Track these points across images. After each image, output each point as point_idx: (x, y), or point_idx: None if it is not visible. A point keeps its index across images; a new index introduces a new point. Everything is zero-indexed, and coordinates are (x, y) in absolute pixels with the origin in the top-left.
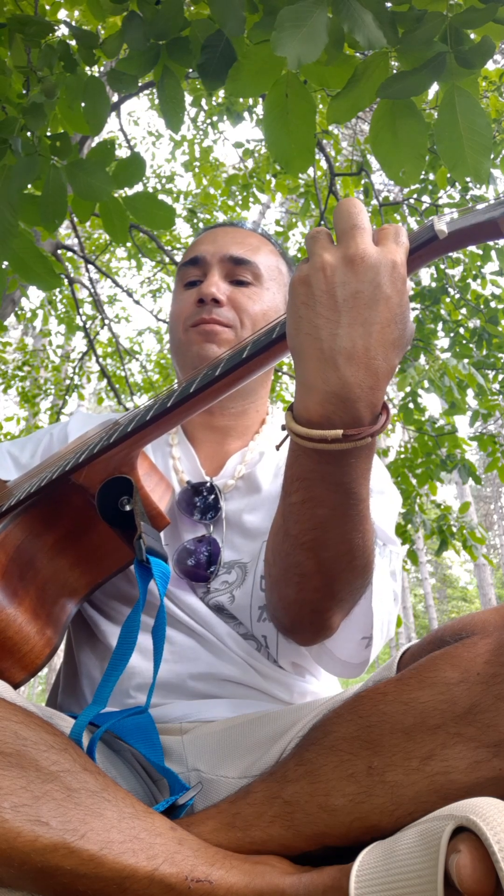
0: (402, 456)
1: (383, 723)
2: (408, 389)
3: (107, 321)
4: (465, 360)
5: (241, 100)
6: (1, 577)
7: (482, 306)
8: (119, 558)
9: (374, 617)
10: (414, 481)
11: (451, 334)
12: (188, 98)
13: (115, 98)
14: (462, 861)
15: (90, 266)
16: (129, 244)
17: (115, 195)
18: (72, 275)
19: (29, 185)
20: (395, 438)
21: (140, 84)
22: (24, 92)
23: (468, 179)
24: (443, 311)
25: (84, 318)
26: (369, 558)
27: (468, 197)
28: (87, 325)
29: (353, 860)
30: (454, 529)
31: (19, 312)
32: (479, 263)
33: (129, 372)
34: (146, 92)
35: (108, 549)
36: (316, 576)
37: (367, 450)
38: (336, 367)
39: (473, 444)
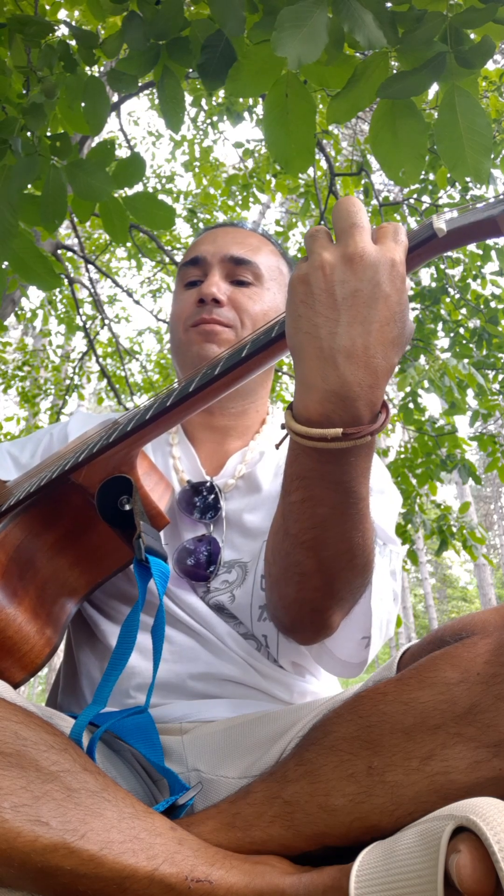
0: (402, 456)
1: (383, 723)
2: (408, 389)
3: (107, 321)
4: (465, 360)
5: (241, 100)
6: (1, 576)
7: (482, 306)
8: (119, 558)
9: (373, 616)
10: (414, 481)
11: (451, 334)
12: (188, 98)
13: (115, 98)
14: (462, 861)
15: (90, 266)
16: (129, 244)
17: (115, 195)
18: (72, 275)
19: (29, 185)
20: (395, 438)
21: (140, 84)
22: (24, 92)
23: (468, 179)
24: (443, 311)
25: (84, 318)
26: (369, 557)
27: (468, 197)
28: (87, 325)
29: (353, 860)
30: (454, 529)
31: (19, 312)
32: (479, 263)
33: (129, 372)
34: (146, 92)
35: (108, 548)
36: (316, 575)
37: (366, 448)
38: (335, 366)
39: (473, 444)
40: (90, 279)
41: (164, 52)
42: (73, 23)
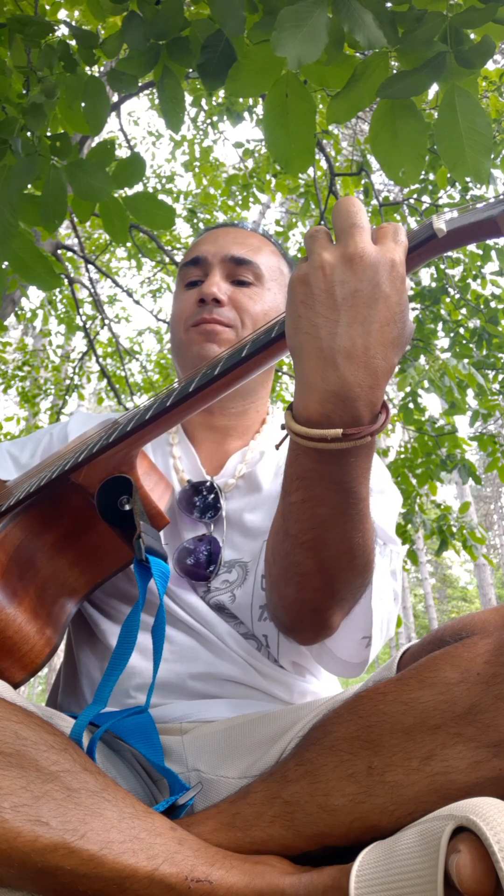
0: (402, 456)
1: (383, 723)
2: (408, 389)
3: (107, 321)
4: (465, 360)
5: (241, 100)
6: (1, 576)
7: (482, 306)
8: (119, 558)
9: (374, 616)
10: (414, 481)
11: (451, 334)
12: (188, 98)
13: (115, 98)
14: (462, 861)
15: (90, 266)
16: (129, 244)
17: (115, 195)
18: (72, 275)
19: (29, 185)
20: (395, 438)
21: (140, 84)
22: (24, 92)
23: (468, 179)
24: (443, 311)
25: (84, 318)
26: (369, 557)
27: (468, 197)
28: (87, 325)
29: (353, 860)
30: (454, 529)
31: (19, 312)
32: (479, 263)
33: (129, 372)
34: (146, 92)
35: (108, 548)
36: (316, 575)
37: (366, 449)
38: (335, 366)
39: (473, 444)
40: (90, 279)
41: (164, 52)
42: (73, 23)
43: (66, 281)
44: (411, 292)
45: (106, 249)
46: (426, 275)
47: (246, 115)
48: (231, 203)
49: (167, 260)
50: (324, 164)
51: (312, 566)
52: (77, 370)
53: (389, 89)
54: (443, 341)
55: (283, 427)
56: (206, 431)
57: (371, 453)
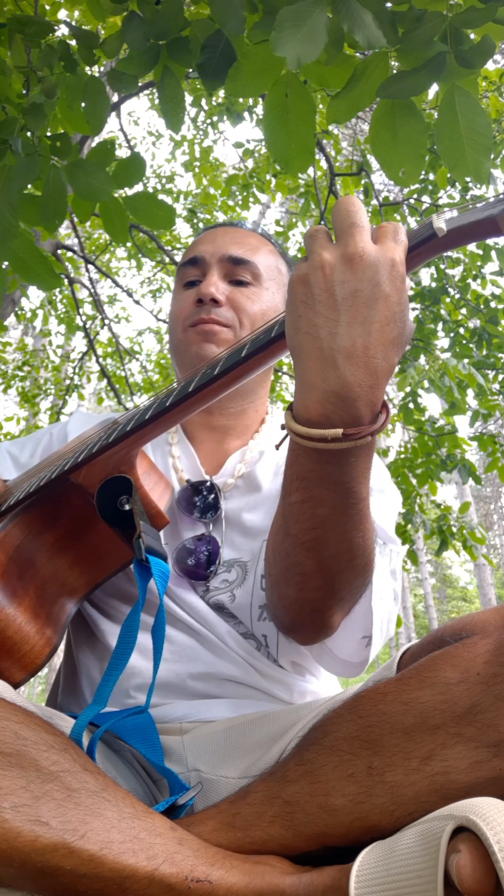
0: (402, 456)
1: (383, 723)
2: (408, 389)
3: (107, 321)
4: (465, 360)
5: (241, 100)
6: (0, 576)
7: (482, 306)
8: (118, 558)
9: (374, 616)
10: (414, 481)
11: (451, 334)
12: (188, 98)
13: (115, 98)
14: (462, 861)
15: (90, 266)
16: (129, 244)
17: (115, 195)
18: (72, 275)
19: (29, 185)
20: (395, 438)
21: (140, 84)
22: (24, 92)
23: (468, 179)
24: (443, 311)
25: (84, 318)
26: (370, 557)
27: (468, 197)
28: (87, 325)
29: (353, 860)
30: (454, 529)
31: (19, 312)
32: (479, 263)
33: (129, 372)
34: (146, 92)
35: (108, 548)
36: (316, 575)
37: (366, 449)
38: (335, 366)
39: (473, 444)
40: (90, 279)
41: (164, 52)
42: (73, 23)
43: (66, 281)
44: (411, 292)
45: (106, 249)
46: (426, 275)
47: (246, 115)
48: (231, 203)
49: (167, 260)
50: (324, 164)
51: (312, 566)
52: (77, 370)
53: (389, 89)
54: (443, 341)
55: (283, 427)
56: (205, 431)
57: (371, 453)
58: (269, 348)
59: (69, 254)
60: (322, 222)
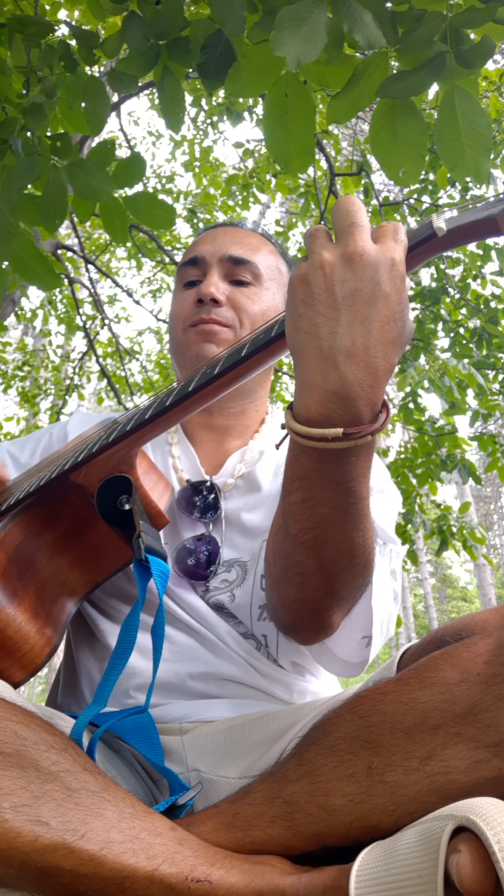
0: (402, 456)
1: (383, 723)
2: (408, 389)
3: (107, 321)
4: (465, 360)
5: (241, 100)
6: (0, 576)
7: (482, 306)
8: (118, 557)
9: (373, 616)
10: (414, 481)
11: (451, 334)
12: (188, 98)
13: (115, 98)
14: (462, 861)
15: (90, 266)
16: (129, 244)
17: (115, 195)
18: (72, 275)
19: (29, 185)
20: (395, 438)
21: (140, 84)
22: (24, 92)
23: (468, 179)
24: (443, 311)
25: (84, 318)
26: (370, 557)
27: (468, 197)
28: (87, 325)
29: (353, 860)
30: (454, 529)
31: (19, 312)
32: (479, 263)
33: (129, 372)
34: (146, 92)
35: (108, 548)
36: (316, 575)
37: (366, 448)
38: (335, 366)
39: (473, 444)
40: (90, 279)
41: (164, 52)
42: (73, 23)
43: (66, 281)
44: (411, 292)
45: (106, 249)
46: (426, 275)
47: (246, 115)
48: (231, 203)
49: (167, 260)
50: (324, 164)
51: (312, 566)
52: (77, 370)
53: (389, 89)
54: (443, 341)
55: (283, 427)
56: (205, 431)
57: (371, 453)
58: (269, 348)
59: (69, 254)
60: (322, 222)
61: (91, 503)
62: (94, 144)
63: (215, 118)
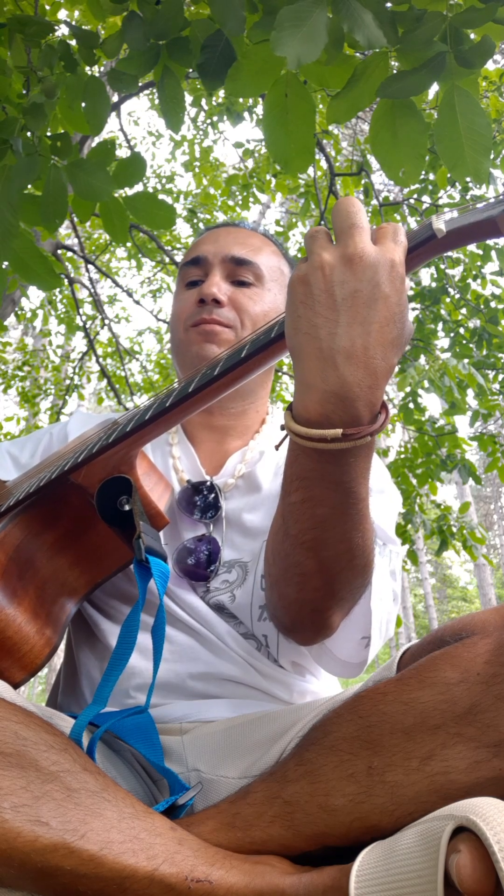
0: (402, 456)
1: (383, 723)
2: (408, 389)
3: (107, 321)
4: (465, 360)
5: (241, 100)
6: (0, 576)
7: (482, 306)
8: (118, 558)
9: (373, 616)
10: (414, 481)
11: (451, 334)
12: (188, 98)
13: (115, 98)
14: (462, 861)
15: (90, 266)
16: (129, 244)
17: (116, 195)
18: (72, 275)
19: (29, 185)
20: (395, 438)
21: (140, 84)
22: (24, 92)
23: (468, 179)
24: (443, 311)
25: (84, 318)
26: (369, 557)
27: (468, 197)
28: (87, 325)
29: (353, 860)
30: (454, 529)
31: (19, 312)
32: (479, 263)
33: (129, 372)
34: (146, 92)
35: (108, 548)
36: (316, 575)
37: (366, 449)
38: (335, 367)
39: (473, 444)
40: (90, 279)
41: (164, 52)
42: (73, 23)
43: (66, 281)
44: (411, 292)
45: (106, 249)
46: (426, 275)
47: (246, 115)
48: (231, 203)
49: (167, 260)
50: (324, 164)
51: (312, 566)
52: (77, 370)
53: (389, 89)
54: (443, 341)
55: (282, 427)
56: (205, 431)
57: (371, 453)
58: (270, 349)
59: (69, 254)
60: (322, 222)
61: (91, 504)
62: (94, 144)
63: (215, 118)
